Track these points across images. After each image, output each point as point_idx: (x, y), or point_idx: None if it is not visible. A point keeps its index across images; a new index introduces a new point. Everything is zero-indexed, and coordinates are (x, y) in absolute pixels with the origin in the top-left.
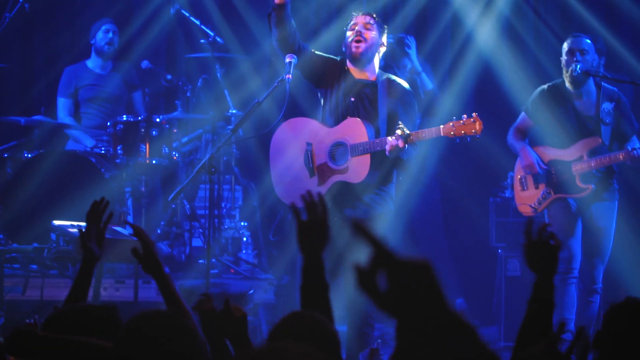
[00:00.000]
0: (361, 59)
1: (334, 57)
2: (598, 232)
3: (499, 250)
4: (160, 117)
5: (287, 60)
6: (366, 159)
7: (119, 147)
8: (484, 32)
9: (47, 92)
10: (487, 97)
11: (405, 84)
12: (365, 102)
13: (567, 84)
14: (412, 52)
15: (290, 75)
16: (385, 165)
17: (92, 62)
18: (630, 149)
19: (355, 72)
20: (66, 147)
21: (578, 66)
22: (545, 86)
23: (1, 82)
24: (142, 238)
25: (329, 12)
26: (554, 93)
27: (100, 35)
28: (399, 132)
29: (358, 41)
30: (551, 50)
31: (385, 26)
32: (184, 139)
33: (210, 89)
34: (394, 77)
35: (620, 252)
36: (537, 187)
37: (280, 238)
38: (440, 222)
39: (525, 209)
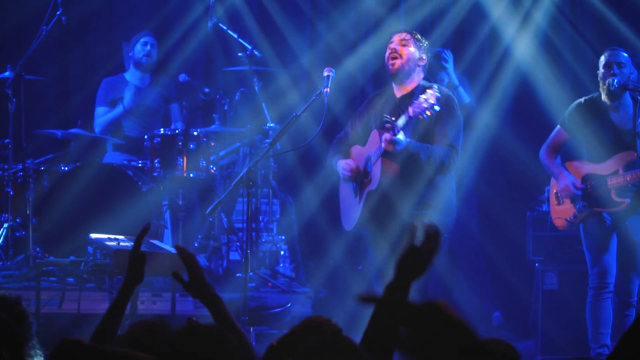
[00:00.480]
0: (398, 75)
1: (371, 97)
2: (634, 245)
3: (536, 264)
4: (198, 130)
5: (326, 73)
6: (378, 163)
7: (156, 160)
8: (522, 46)
9: (84, 104)
10: (525, 111)
11: (439, 91)
12: (399, 114)
13: (604, 97)
14: (449, 66)
15: (329, 89)
16: (419, 173)
17: (130, 75)
18: None
19: (397, 90)
20: (103, 160)
21: (615, 80)
22: (582, 99)
23: (38, 95)
24: (188, 262)
25: (367, 26)
26: (590, 106)
27: (138, 47)
28: (386, 124)
29: (394, 58)
30: (589, 64)
31: (425, 41)
32: (222, 153)
33: (248, 103)
34: (431, 85)
35: None
36: (573, 202)
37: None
38: (477, 237)
39: (561, 223)
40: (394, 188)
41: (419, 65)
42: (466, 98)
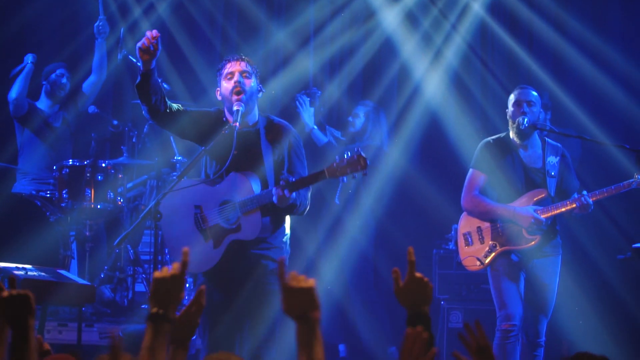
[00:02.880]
0: (243, 113)
1: (208, 110)
2: (542, 287)
3: (442, 302)
4: (106, 162)
5: (235, 108)
6: (257, 214)
7: (64, 191)
8: (432, 83)
9: None
10: (434, 148)
11: (285, 123)
12: (248, 153)
13: (512, 136)
14: (304, 110)
15: (238, 124)
16: (276, 214)
17: (41, 103)
18: (578, 196)
19: (235, 122)
20: (12, 190)
21: (525, 119)
22: (490, 139)
23: None
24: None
25: (276, 62)
26: (499, 145)
27: (53, 77)
28: (282, 182)
29: (238, 93)
30: (498, 102)
31: (255, 66)
32: (129, 185)
33: (156, 135)
34: (273, 117)
35: (563, 304)
36: (482, 242)
37: None
38: (371, 272)
39: (471, 262)
40: (259, 236)
41: (258, 97)
42: (322, 139)
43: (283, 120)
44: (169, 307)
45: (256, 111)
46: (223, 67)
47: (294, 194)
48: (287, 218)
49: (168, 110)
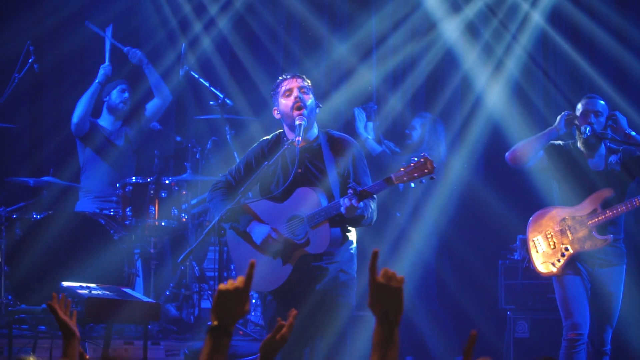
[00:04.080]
0: (305, 129)
1: (260, 143)
2: (608, 297)
3: (508, 312)
4: (170, 179)
5: (297, 122)
6: (325, 226)
7: (128, 209)
8: (494, 94)
9: (56, 152)
10: (497, 158)
11: (349, 139)
12: (312, 169)
13: (579, 145)
14: (359, 121)
15: (300, 138)
16: (343, 226)
17: (103, 120)
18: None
19: (296, 140)
20: (75, 208)
21: (588, 128)
22: (560, 142)
23: (10, 143)
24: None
25: (339, 75)
26: (568, 151)
27: (115, 94)
28: (350, 190)
29: (299, 108)
30: (560, 112)
31: (310, 83)
32: (193, 201)
33: (220, 151)
34: (332, 132)
35: (629, 313)
36: (553, 247)
37: None
38: (434, 283)
39: (546, 268)
40: (329, 249)
41: (317, 113)
42: (377, 148)
43: (343, 134)
44: (230, 321)
45: (315, 127)
46: (279, 85)
47: (361, 203)
48: (353, 231)
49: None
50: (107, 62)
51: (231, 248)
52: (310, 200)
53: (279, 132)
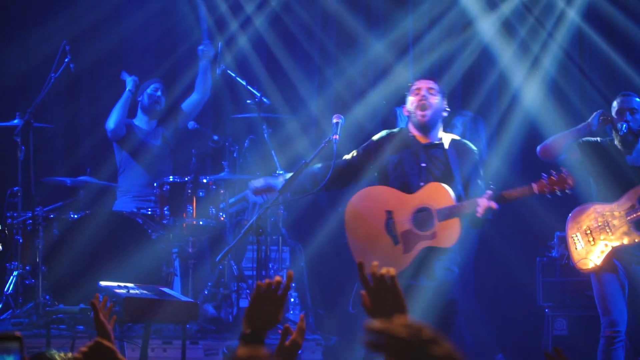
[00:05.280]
0: (427, 126)
1: (386, 133)
2: None
3: (546, 310)
4: (207, 177)
5: (335, 120)
6: (456, 222)
7: (165, 208)
8: (531, 91)
9: (93, 152)
10: (534, 156)
11: (471, 144)
12: (437, 165)
13: (616, 143)
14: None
15: (337, 136)
16: (464, 225)
17: (138, 120)
18: None
19: (420, 138)
20: (113, 208)
21: (624, 125)
22: (598, 138)
23: (47, 142)
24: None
25: (376, 72)
26: (605, 148)
27: (149, 93)
28: (490, 193)
29: (423, 108)
30: (597, 109)
31: (445, 89)
32: (231, 200)
33: (257, 150)
34: (459, 138)
35: None
36: (592, 243)
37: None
38: (472, 281)
39: (585, 264)
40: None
41: (443, 116)
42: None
43: (466, 141)
44: (263, 327)
45: (440, 128)
46: (412, 84)
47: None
48: None
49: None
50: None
51: (349, 231)
52: (444, 196)
53: (402, 128)
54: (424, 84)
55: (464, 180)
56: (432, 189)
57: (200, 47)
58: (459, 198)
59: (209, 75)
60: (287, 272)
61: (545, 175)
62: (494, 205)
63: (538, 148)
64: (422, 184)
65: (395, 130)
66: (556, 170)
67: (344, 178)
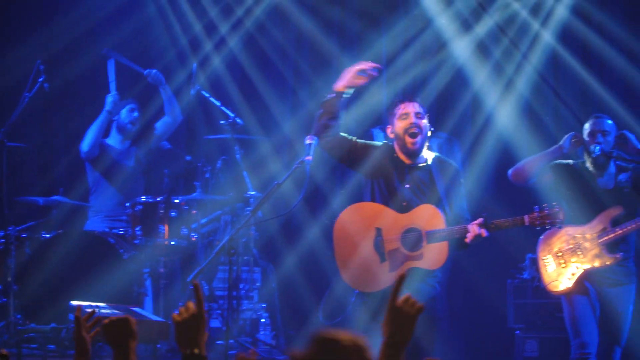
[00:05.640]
0: (416, 152)
1: (377, 144)
2: (616, 316)
3: (517, 332)
4: (180, 198)
5: (308, 142)
6: (444, 245)
7: (137, 228)
8: (504, 113)
9: (66, 171)
10: (507, 178)
11: (454, 163)
12: (421, 187)
13: (588, 165)
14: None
15: (311, 157)
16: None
17: (112, 140)
18: None
19: (405, 159)
20: (85, 227)
21: (597, 148)
22: (570, 161)
23: (20, 162)
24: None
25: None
26: (576, 170)
27: (124, 113)
28: (481, 220)
29: (414, 135)
30: (570, 130)
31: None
32: (203, 220)
33: (230, 171)
34: (442, 157)
35: (637, 332)
36: (564, 265)
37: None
38: (444, 303)
39: (556, 287)
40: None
41: (429, 136)
42: None
43: (451, 160)
44: (199, 345)
45: (426, 149)
46: (396, 107)
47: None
48: None
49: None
50: (113, 91)
51: (337, 246)
52: (435, 219)
53: (388, 145)
54: (411, 109)
55: (451, 202)
56: (425, 210)
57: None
58: (444, 216)
59: (171, 96)
60: (192, 285)
61: (537, 207)
62: (484, 233)
63: (509, 171)
64: (404, 204)
65: (380, 144)
66: (548, 205)
67: (341, 150)
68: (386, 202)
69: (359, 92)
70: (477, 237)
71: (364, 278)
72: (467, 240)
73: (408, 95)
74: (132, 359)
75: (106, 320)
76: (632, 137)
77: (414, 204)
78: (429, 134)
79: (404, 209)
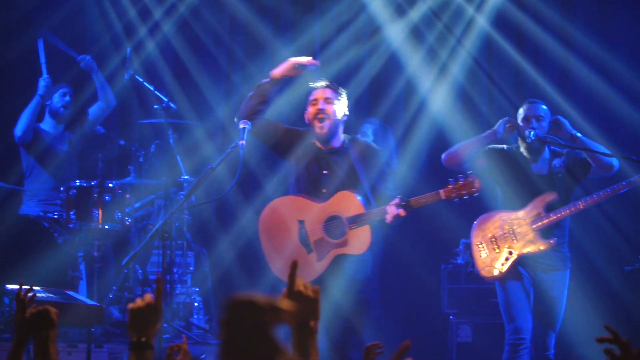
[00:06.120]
0: (326, 137)
1: (300, 130)
2: (551, 301)
3: (451, 317)
4: (113, 182)
5: (241, 126)
6: (366, 229)
7: (72, 212)
8: (438, 98)
9: (0, 156)
10: (440, 163)
11: (375, 146)
12: (339, 172)
13: (522, 150)
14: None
15: (244, 142)
16: (375, 230)
17: (46, 124)
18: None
19: (322, 145)
20: (19, 212)
21: (532, 133)
22: (504, 146)
23: None
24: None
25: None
26: (511, 155)
27: (57, 98)
28: (398, 200)
29: (321, 119)
30: (504, 115)
31: (344, 91)
32: (137, 205)
33: (163, 155)
34: (363, 140)
35: (571, 317)
36: (497, 250)
37: None
38: (377, 287)
39: (489, 272)
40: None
41: (342, 120)
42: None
43: (369, 141)
44: (149, 334)
45: (341, 132)
46: (311, 93)
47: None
48: None
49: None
50: (45, 74)
51: (264, 241)
52: (353, 204)
53: (310, 132)
54: (320, 94)
55: (371, 183)
56: (342, 197)
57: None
58: (366, 201)
59: (103, 82)
60: (156, 276)
61: (452, 179)
62: (402, 212)
63: (443, 155)
64: (324, 190)
65: (303, 130)
66: (463, 175)
67: (267, 135)
68: (309, 190)
69: (291, 78)
70: (397, 217)
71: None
72: (387, 220)
73: (322, 81)
74: (51, 348)
75: (27, 313)
76: (566, 122)
77: (333, 190)
78: (344, 118)
79: (324, 195)
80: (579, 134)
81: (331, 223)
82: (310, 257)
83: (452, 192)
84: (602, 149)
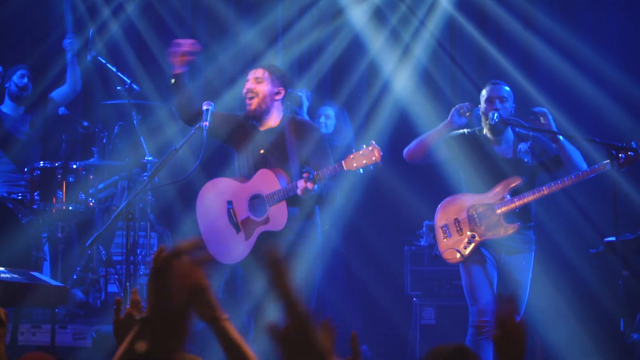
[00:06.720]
0: (256, 115)
1: (237, 114)
2: (515, 284)
3: (414, 299)
4: (77, 163)
5: (204, 107)
6: (282, 206)
7: (35, 193)
8: (401, 80)
9: None
10: (404, 144)
11: (312, 124)
12: (273, 151)
13: (486, 131)
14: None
15: (207, 123)
16: (304, 205)
17: (5, 107)
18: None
19: (259, 124)
20: None
21: (495, 115)
22: (465, 130)
23: None
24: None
25: (246, 60)
26: (473, 139)
27: (15, 79)
28: (305, 174)
29: (250, 97)
30: (467, 97)
31: (282, 71)
32: (100, 186)
33: (127, 136)
34: (297, 117)
35: (535, 300)
36: (460, 233)
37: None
38: (342, 269)
39: (451, 255)
40: (287, 226)
41: (276, 100)
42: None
43: (307, 120)
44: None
45: (277, 112)
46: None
47: (316, 186)
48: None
49: (202, 112)
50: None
51: (200, 223)
52: (270, 181)
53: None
54: (251, 75)
55: (304, 160)
56: (262, 176)
57: (65, 41)
58: (291, 181)
59: (77, 67)
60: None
61: (354, 150)
62: (310, 185)
63: (404, 152)
64: (260, 170)
65: (240, 114)
66: (366, 144)
67: (189, 113)
68: (249, 171)
69: (255, 59)
70: (306, 190)
71: (227, 251)
72: (299, 194)
73: (257, 63)
74: (0, 347)
75: None
76: (551, 119)
77: (269, 168)
78: (277, 97)
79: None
80: (561, 137)
81: (254, 201)
82: (239, 237)
83: (353, 162)
84: (578, 154)
